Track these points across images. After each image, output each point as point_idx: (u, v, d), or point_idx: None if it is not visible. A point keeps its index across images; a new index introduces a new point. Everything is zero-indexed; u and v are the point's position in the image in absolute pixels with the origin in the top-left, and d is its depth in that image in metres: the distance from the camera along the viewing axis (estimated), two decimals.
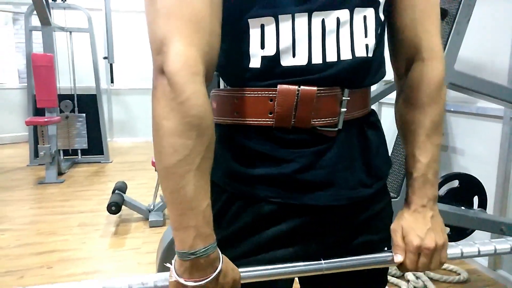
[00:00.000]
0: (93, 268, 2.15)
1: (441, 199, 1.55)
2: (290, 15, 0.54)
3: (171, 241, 1.19)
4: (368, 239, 0.67)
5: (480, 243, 0.70)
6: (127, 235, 2.59)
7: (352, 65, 0.57)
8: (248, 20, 0.56)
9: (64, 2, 4.51)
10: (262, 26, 0.55)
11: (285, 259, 0.62)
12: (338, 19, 0.56)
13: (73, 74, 4.83)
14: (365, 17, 0.58)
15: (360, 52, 0.58)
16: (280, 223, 0.62)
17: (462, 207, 1.55)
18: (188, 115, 0.49)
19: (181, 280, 0.52)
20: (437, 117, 0.64)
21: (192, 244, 0.50)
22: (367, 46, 0.58)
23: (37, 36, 4.64)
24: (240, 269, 0.59)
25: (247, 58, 0.57)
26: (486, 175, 1.92)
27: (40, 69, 3.77)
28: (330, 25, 0.55)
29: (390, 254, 0.66)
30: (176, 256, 0.53)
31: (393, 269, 1.93)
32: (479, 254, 0.69)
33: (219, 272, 0.53)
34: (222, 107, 0.62)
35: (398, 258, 0.64)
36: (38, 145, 3.79)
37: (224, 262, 0.54)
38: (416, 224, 0.63)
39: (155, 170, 2.79)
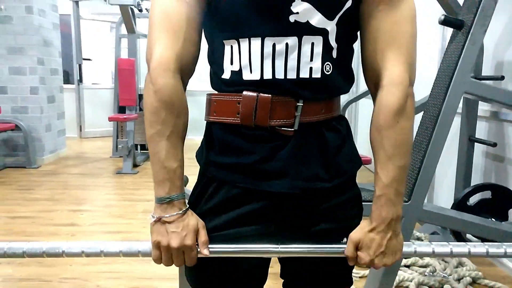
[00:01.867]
0: None
1: (470, 209, 1.48)
2: (247, 39, 0.67)
3: None
4: (327, 227, 0.75)
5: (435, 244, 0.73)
6: None
7: (297, 84, 0.67)
8: (223, 41, 0.70)
9: (148, 12, 5.00)
10: (231, 47, 0.69)
11: (247, 235, 0.73)
12: (287, 44, 0.66)
13: None
14: (312, 43, 0.67)
15: (304, 74, 0.67)
16: (244, 205, 0.73)
17: (492, 219, 1.47)
18: (159, 100, 0.68)
19: (161, 216, 0.70)
20: (396, 141, 0.69)
21: (168, 191, 0.70)
22: (311, 68, 0.68)
23: (126, 42, 5.22)
24: (209, 245, 0.72)
25: (222, 70, 0.71)
26: None
27: (123, 72, 4.26)
28: (280, 48, 0.66)
29: (344, 246, 0.73)
30: (154, 205, 0.71)
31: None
32: (433, 254, 0.73)
33: (186, 210, 0.71)
34: (208, 108, 0.76)
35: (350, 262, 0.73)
36: (118, 139, 4.28)
37: (189, 209, 0.72)
38: (371, 243, 0.70)
39: None
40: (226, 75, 0.71)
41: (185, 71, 0.72)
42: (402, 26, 0.69)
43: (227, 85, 0.71)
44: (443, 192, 2.71)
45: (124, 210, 3.09)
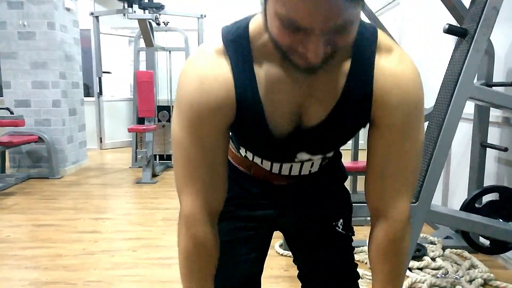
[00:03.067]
0: (168, 255, 2.49)
1: (479, 211, 1.51)
2: (260, 159, 0.87)
3: None
4: (319, 212, 0.95)
5: None
6: None
7: (298, 176, 0.88)
8: (240, 145, 0.88)
9: (166, 25, 5.17)
10: (246, 151, 0.88)
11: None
12: (291, 166, 0.85)
13: (170, 88, 5.46)
14: (312, 163, 0.85)
15: (305, 172, 0.88)
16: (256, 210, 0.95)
17: (500, 220, 1.49)
18: (192, 244, 0.77)
19: None
20: (390, 272, 0.75)
21: None
22: (310, 170, 0.88)
23: (144, 55, 5.38)
24: None
25: (238, 149, 0.91)
26: None
27: (142, 84, 4.40)
28: (285, 167, 0.86)
29: None
30: None
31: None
32: None
33: None
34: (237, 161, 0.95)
35: None
36: (137, 150, 4.40)
37: None
38: None
39: None
40: (241, 154, 0.90)
41: (214, 215, 0.78)
42: (411, 159, 0.70)
43: (241, 157, 0.92)
44: (457, 197, 2.72)
45: (144, 218, 3.18)
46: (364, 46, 0.65)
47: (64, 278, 2.17)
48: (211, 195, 0.74)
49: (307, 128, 0.70)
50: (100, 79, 5.51)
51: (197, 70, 0.66)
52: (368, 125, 0.73)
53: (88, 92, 6.51)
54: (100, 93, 6.21)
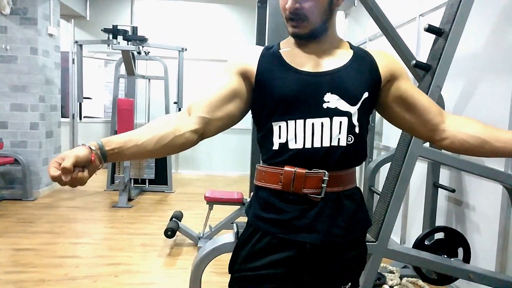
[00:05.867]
0: (150, 280, 2.63)
1: (428, 248, 1.79)
2: (294, 120, 0.96)
3: (202, 257, 1.60)
4: (336, 273, 1.02)
5: None
6: (178, 257, 3.07)
7: (329, 149, 0.95)
8: (272, 123, 0.98)
9: (147, 55, 5.37)
10: (279, 126, 0.97)
11: (276, 275, 0.99)
12: (322, 123, 0.95)
13: (148, 114, 5.63)
14: (340, 122, 0.95)
15: (335, 142, 0.95)
16: (280, 252, 0.99)
17: (444, 256, 1.78)
18: (171, 118, 0.99)
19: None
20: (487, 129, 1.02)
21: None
22: (339, 139, 0.96)
23: (122, 81, 5.54)
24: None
25: (271, 143, 0.99)
26: (491, 230, 2.12)
27: (122, 111, 4.55)
28: (317, 126, 0.95)
29: None
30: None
31: None
32: None
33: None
34: (258, 176, 1.04)
35: None
36: (115, 174, 4.50)
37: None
38: None
39: (207, 203, 3.27)
40: (275, 146, 0.97)
41: (204, 131, 0.99)
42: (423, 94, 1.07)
43: (275, 155, 0.98)
44: (413, 234, 3.02)
45: (122, 243, 3.29)
46: (356, 47, 1.06)
47: None
48: (210, 110, 0.97)
49: (327, 70, 0.97)
50: (80, 104, 5.59)
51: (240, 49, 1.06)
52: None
53: (62, 112, 6.53)
54: (80, 118, 6.25)
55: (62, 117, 5.60)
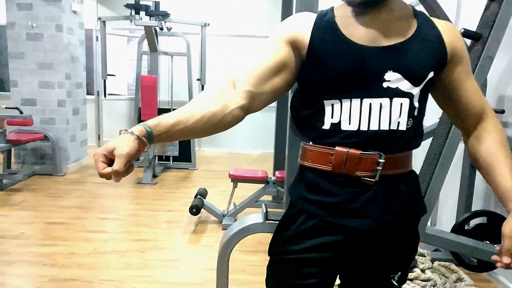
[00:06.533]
0: (175, 257, 2.66)
1: (468, 233, 1.70)
2: (349, 100, 0.86)
3: (230, 237, 1.58)
4: (386, 261, 0.96)
5: None
6: (203, 234, 3.09)
7: (386, 133, 0.86)
8: (324, 101, 0.89)
9: (169, 30, 5.31)
10: (332, 105, 0.88)
11: (321, 259, 0.93)
12: (380, 104, 0.85)
13: (171, 91, 5.61)
14: (401, 104, 0.86)
15: (394, 126, 0.86)
16: (326, 235, 0.92)
17: (487, 242, 1.69)
18: (215, 91, 0.89)
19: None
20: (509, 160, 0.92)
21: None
22: (398, 122, 0.86)
23: (145, 57, 5.52)
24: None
25: (322, 123, 0.90)
26: None
27: (146, 88, 4.55)
28: (375, 107, 0.85)
29: None
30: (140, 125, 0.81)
31: None
32: None
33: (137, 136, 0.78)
34: (303, 155, 0.97)
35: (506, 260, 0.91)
36: None
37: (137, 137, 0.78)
38: None
39: (231, 181, 3.25)
40: (326, 126, 0.89)
41: (249, 101, 0.88)
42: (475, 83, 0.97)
43: (325, 135, 0.90)
44: (446, 216, 2.91)
45: (148, 220, 3.34)
46: (421, 13, 0.92)
47: (80, 276, 2.33)
48: (257, 83, 0.87)
49: (389, 45, 0.86)
50: (104, 81, 5.62)
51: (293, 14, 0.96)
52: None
53: (87, 90, 6.61)
54: (105, 95, 6.31)
55: (87, 94, 5.65)
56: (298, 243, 0.94)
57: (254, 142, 6.72)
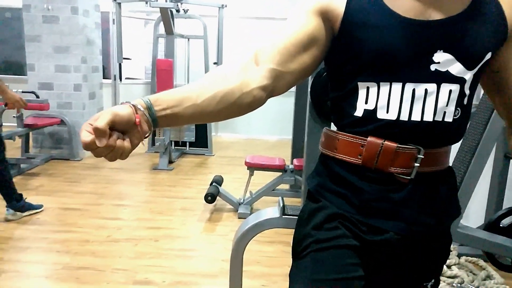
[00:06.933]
0: (189, 246, 2.60)
1: (503, 231, 1.57)
2: (388, 83, 0.73)
3: (245, 232, 1.49)
4: (416, 269, 0.83)
5: None
6: (218, 223, 3.02)
7: (430, 125, 0.73)
8: (358, 82, 0.76)
9: (186, 13, 5.18)
10: (368, 88, 0.75)
11: (338, 256, 0.79)
12: (426, 90, 0.72)
13: (188, 75, 5.52)
14: (450, 91, 0.72)
15: (438, 117, 0.73)
16: (350, 235, 0.78)
17: None
18: (235, 69, 0.76)
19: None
20: None
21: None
22: (445, 113, 0.73)
23: (161, 40, 5.42)
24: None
25: (353, 108, 0.77)
26: None
27: (161, 72, 4.46)
28: (419, 93, 0.72)
29: None
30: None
31: None
32: None
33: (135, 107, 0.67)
34: (327, 143, 0.84)
35: None
36: (155, 137, 4.49)
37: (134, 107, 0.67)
38: None
39: (247, 169, 3.16)
40: (359, 113, 0.76)
41: (272, 81, 0.75)
42: None
43: (356, 123, 0.77)
44: (473, 211, 2.75)
45: (163, 207, 3.29)
46: None
47: (93, 264, 2.29)
48: (283, 60, 0.75)
49: (440, 19, 0.71)
50: (120, 65, 5.57)
51: None
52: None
53: (104, 74, 6.58)
54: (120, 78, 6.27)
55: (104, 78, 5.61)
56: (327, 233, 0.80)
57: (272, 127, 6.60)
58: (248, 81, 0.74)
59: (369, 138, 0.76)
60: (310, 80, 1.96)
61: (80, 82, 4.67)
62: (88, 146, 0.62)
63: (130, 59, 6.38)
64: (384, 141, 0.75)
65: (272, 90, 0.77)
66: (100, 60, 5.21)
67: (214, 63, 5.37)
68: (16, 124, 4.02)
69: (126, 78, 6.71)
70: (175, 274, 2.23)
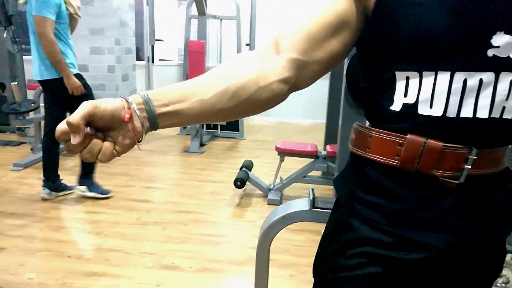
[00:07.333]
0: (218, 232, 2.57)
1: None
2: (433, 72, 0.60)
3: (272, 224, 1.41)
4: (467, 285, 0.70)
5: None
6: (247, 208, 2.98)
7: (485, 124, 0.60)
8: (396, 72, 0.63)
9: None
10: (407, 78, 0.62)
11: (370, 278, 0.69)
12: (481, 80, 0.59)
13: (220, 56, 5.44)
14: (511, 81, 0.59)
15: (495, 114, 0.60)
16: (385, 250, 0.67)
17: None
18: (252, 57, 0.67)
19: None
20: None
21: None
22: (504, 108, 0.60)
23: (194, 22, 5.36)
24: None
25: (390, 101, 0.65)
26: None
27: (193, 53, 4.41)
28: (472, 85, 0.59)
29: None
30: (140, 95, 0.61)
31: None
32: None
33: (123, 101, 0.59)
34: (358, 140, 0.71)
35: None
36: None
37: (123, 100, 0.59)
38: None
39: (278, 154, 3.08)
40: (396, 107, 0.64)
41: (297, 79, 0.66)
42: None
43: (393, 119, 0.65)
44: None
45: (192, 191, 3.28)
46: None
47: (122, 246, 2.30)
48: (307, 48, 0.65)
49: None
50: (152, 46, 5.57)
51: None
52: None
53: (137, 55, 6.63)
54: (152, 60, 6.29)
55: (137, 60, 5.65)
56: (350, 257, 0.70)
57: (305, 111, 6.45)
58: (266, 73, 0.64)
59: (408, 136, 0.63)
60: (346, 62, 1.83)
61: (114, 64, 4.72)
62: (60, 137, 0.54)
63: (163, 40, 6.38)
64: (427, 139, 0.62)
65: (294, 83, 0.67)
66: (133, 42, 5.23)
67: (247, 45, 5.26)
68: None
69: (159, 60, 6.74)
70: (202, 260, 2.21)
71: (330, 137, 3.50)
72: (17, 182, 3.24)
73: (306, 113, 6.44)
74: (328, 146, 3.21)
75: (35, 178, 3.32)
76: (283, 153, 3.11)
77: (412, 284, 0.69)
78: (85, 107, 0.54)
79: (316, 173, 3.39)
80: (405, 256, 0.66)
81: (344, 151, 2.51)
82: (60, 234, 2.44)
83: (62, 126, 0.54)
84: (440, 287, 0.69)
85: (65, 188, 3.00)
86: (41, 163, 2.91)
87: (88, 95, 2.84)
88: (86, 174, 2.96)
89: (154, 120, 0.60)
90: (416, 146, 0.63)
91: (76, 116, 0.53)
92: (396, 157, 0.65)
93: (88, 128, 0.54)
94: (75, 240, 2.39)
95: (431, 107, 0.61)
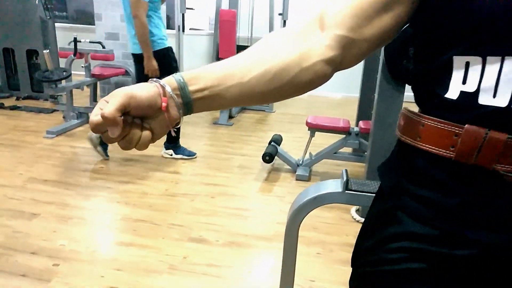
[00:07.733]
0: (245, 206, 2.55)
1: None
2: (500, 57, 0.53)
3: (302, 205, 1.35)
4: None
5: None
6: (275, 183, 2.93)
7: None
8: (454, 57, 0.56)
9: None
10: (467, 64, 0.55)
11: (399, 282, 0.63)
12: None
13: (251, 26, 5.28)
14: None
15: None
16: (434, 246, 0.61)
17: None
18: (292, 33, 0.61)
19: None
20: None
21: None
22: None
23: None
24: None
25: (445, 88, 0.58)
26: None
27: (225, 23, 4.29)
28: None
29: None
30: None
31: None
32: None
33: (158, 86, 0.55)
34: (408, 128, 0.64)
35: None
36: None
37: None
38: None
39: (308, 129, 2.99)
40: (452, 95, 0.57)
41: (338, 58, 0.60)
42: None
43: (449, 108, 0.58)
44: None
45: (221, 163, 3.26)
46: None
47: (150, 217, 2.32)
48: (355, 24, 0.58)
49: None
50: (183, 15, 5.46)
51: None
52: None
53: (168, 24, 6.55)
54: (183, 29, 6.20)
55: (168, 28, 5.57)
56: (392, 251, 0.64)
57: (337, 84, 6.23)
58: (309, 52, 0.58)
59: (467, 126, 0.56)
60: None
61: None
62: (95, 129, 0.50)
63: (194, 9, 6.26)
64: (489, 131, 0.54)
65: (340, 63, 0.60)
66: (164, 10, 5.15)
67: (279, 14, 5.07)
68: (84, 74, 4.14)
69: (190, 29, 6.64)
70: (229, 234, 2.20)
71: (363, 113, 3.35)
72: (50, 149, 3.32)
73: (339, 87, 6.23)
74: (361, 122, 3.08)
75: (67, 146, 3.39)
76: (314, 128, 3.01)
77: (457, 282, 0.62)
78: (119, 97, 0.49)
79: (347, 149, 3.28)
80: (452, 252, 0.60)
81: (378, 129, 2.38)
82: (91, 203, 2.48)
83: (96, 119, 0.49)
84: (487, 286, 0.62)
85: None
86: (74, 131, 2.96)
87: (176, 67, 3.11)
88: (172, 141, 3.23)
89: (189, 106, 0.55)
90: (476, 137, 0.55)
91: (111, 108, 0.48)
92: (451, 148, 0.57)
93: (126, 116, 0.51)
94: (105, 209, 2.43)
95: (494, 96, 0.53)
